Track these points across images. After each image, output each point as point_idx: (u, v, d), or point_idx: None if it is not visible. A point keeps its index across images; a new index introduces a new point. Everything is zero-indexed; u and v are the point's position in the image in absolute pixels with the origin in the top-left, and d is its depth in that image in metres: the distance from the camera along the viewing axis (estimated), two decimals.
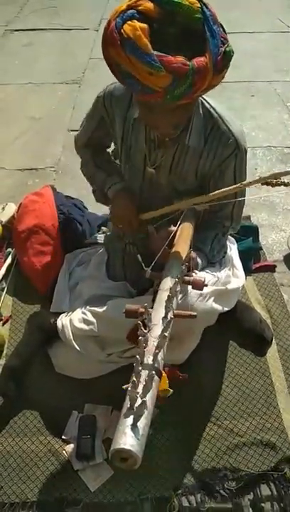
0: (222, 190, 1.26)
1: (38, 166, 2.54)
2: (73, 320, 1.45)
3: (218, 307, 1.36)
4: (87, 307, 1.45)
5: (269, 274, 1.90)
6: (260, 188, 1.26)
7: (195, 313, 1.10)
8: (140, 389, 0.83)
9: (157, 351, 0.92)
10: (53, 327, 1.48)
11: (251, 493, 1.31)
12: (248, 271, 1.84)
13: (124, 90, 1.33)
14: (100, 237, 1.82)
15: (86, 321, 1.42)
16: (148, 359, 0.90)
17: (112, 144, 1.53)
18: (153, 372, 0.89)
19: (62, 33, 3.99)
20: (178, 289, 1.12)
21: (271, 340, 1.63)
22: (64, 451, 1.39)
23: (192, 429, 1.43)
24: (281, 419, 1.45)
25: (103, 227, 1.90)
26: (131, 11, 0.98)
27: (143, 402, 0.81)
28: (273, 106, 2.99)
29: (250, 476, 1.33)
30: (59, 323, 1.47)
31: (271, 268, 1.93)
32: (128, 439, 0.77)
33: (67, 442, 1.41)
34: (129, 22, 0.97)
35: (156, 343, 0.94)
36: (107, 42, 1.00)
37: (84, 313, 1.45)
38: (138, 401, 0.81)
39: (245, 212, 2.04)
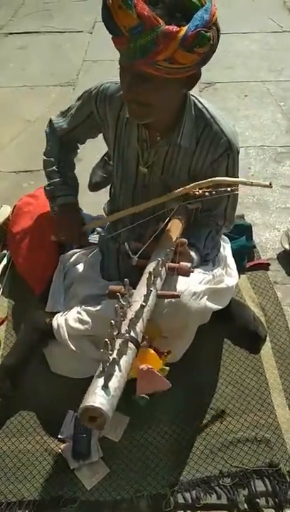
0: (178, 190, 1.29)
1: (33, 168, 2.54)
2: (68, 320, 1.46)
3: (212, 306, 1.37)
4: (82, 307, 1.46)
5: (263, 272, 1.91)
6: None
7: (178, 293, 1.11)
8: (114, 353, 0.83)
9: (135, 320, 0.92)
10: (48, 327, 1.49)
11: (247, 489, 1.32)
12: (242, 269, 1.85)
13: (117, 90, 1.34)
14: (94, 238, 1.82)
15: (81, 321, 1.43)
16: (124, 329, 0.91)
17: (84, 143, 1.61)
18: (129, 339, 0.89)
19: (56, 35, 4.00)
20: (163, 271, 1.13)
21: (265, 338, 1.64)
22: (60, 450, 1.39)
23: (187, 426, 1.44)
24: (275, 416, 1.46)
25: (97, 228, 1.90)
26: None
27: (114, 361, 0.81)
28: (266, 106, 3.01)
29: (245, 472, 1.34)
30: (54, 322, 1.48)
31: (264, 266, 1.94)
32: (97, 397, 0.77)
33: (63, 441, 1.42)
34: None
35: (133, 315, 0.94)
36: None
37: (79, 312, 1.45)
38: (111, 362, 0.81)
39: (239, 211, 2.06)
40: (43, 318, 1.53)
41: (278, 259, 1.98)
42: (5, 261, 1.95)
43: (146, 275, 1.09)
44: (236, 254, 1.70)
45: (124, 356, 0.86)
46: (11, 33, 4.07)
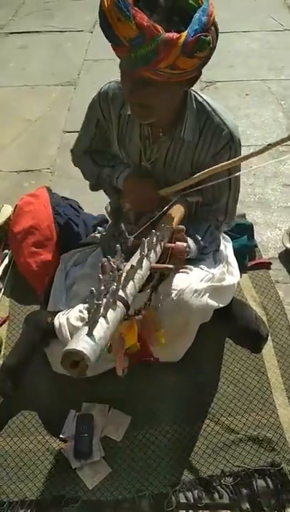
0: (207, 170, 1.26)
1: (34, 167, 2.55)
2: (70, 318, 1.45)
3: (213, 303, 1.37)
4: (84, 305, 1.46)
5: (265, 271, 1.91)
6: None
7: (171, 266, 1.10)
8: (102, 305, 0.82)
9: (125, 281, 0.91)
10: (50, 326, 1.49)
11: (248, 489, 1.31)
12: (243, 268, 1.85)
13: (118, 88, 1.34)
14: (96, 237, 1.82)
15: (83, 319, 1.43)
16: (113, 287, 0.88)
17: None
18: (118, 299, 0.87)
19: (56, 35, 4.00)
20: (158, 248, 1.12)
21: (267, 337, 1.64)
22: (62, 450, 1.39)
23: (189, 426, 1.44)
24: (277, 415, 1.46)
25: (99, 228, 1.90)
26: None
27: (98, 307, 0.80)
28: (267, 104, 3.00)
29: (247, 472, 1.34)
30: (56, 322, 1.48)
31: (266, 265, 1.94)
32: (80, 342, 0.76)
33: (64, 441, 1.42)
34: None
35: (124, 275, 0.93)
36: None
37: (81, 311, 1.45)
38: (95, 307, 0.79)
39: (240, 210, 2.06)
40: (44, 318, 1.53)
41: (280, 259, 1.98)
42: (6, 260, 1.95)
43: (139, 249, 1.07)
44: (237, 253, 1.70)
45: (111, 310, 0.84)
46: (12, 33, 4.07)
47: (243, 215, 2.12)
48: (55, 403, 1.50)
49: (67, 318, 1.46)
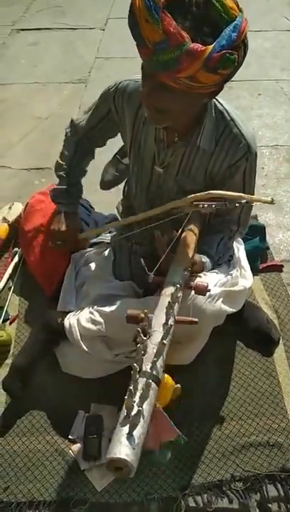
0: (199, 194, 1.24)
1: (45, 165, 2.54)
2: (81, 320, 1.44)
3: (227, 308, 1.35)
4: (95, 307, 1.45)
5: (276, 273, 1.89)
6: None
7: (196, 320, 1.10)
8: (137, 397, 0.83)
9: (156, 358, 0.91)
10: (60, 327, 1.48)
11: (258, 494, 1.30)
12: (255, 271, 1.83)
13: (135, 88, 1.32)
14: (107, 237, 1.81)
15: (93, 321, 1.42)
16: (147, 366, 0.90)
17: (103, 145, 1.61)
18: (151, 380, 0.88)
19: (68, 32, 3.99)
20: (180, 295, 1.12)
21: (279, 341, 1.62)
22: (70, 451, 1.39)
23: (199, 430, 1.43)
24: (288, 420, 1.44)
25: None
26: None
27: (139, 412, 0.81)
28: (280, 105, 2.98)
29: (257, 477, 1.33)
30: (66, 322, 1.47)
31: (278, 268, 1.92)
32: (123, 448, 0.78)
33: (73, 442, 1.41)
34: None
35: (155, 350, 0.93)
36: None
37: (91, 313, 1.44)
38: (135, 409, 0.81)
39: (252, 212, 2.03)
40: (54, 318, 1.52)
41: None
42: (16, 259, 1.94)
43: (164, 299, 1.07)
44: (249, 255, 1.67)
45: (147, 400, 0.86)
46: (23, 29, 4.06)
47: (255, 217, 2.10)
48: (63, 403, 1.49)
49: (78, 320, 1.45)
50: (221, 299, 1.32)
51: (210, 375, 1.54)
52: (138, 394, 0.84)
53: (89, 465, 1.35)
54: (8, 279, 1.88)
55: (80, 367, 1.52)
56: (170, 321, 1.02)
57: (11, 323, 1.75)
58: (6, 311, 1.78)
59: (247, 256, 1.65)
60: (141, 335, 0.95)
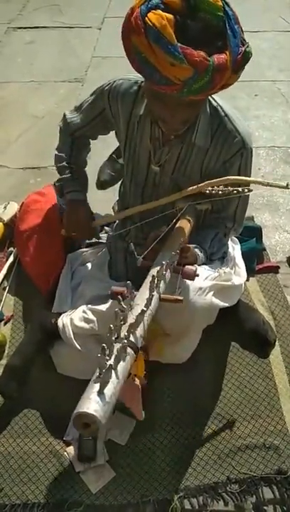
0: (191, 188, 1.27)
1: (41, 164, 2.52)
2: (74, 319, 1.44)
3: (218, 302, 1.34)
4: (88, 306, 1.44)
5: (273, 275, 1.89)
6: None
7: (181, 298, 1.09)
8: (112, 359, 0.82)
9: (135, 327, 0.91)
10: (54, 327, 1.47)
11: (254, 496, 1.30)
12: (251, 272, 1.82)
13: (130, 87, 1.32)
14: (103, 237, 1.80)
15: (86, 320, 1.41)
16: (124, 333, 0.90)
17: (96, 139, 1.60)
18: (127, 344, 0.88)
19: (64, 31, 3.96)
20: (167, 273, 1.11)
21: (274, 342, 1.62)
22: (65, 453, 1.38)
23: (195, 431, 1.42)
24: (284, 422, 1.44)
25: (106, 227, 1.88)
26: (156, 0, 0.98)
27: (110, 367, 0.81)
28: (277, 106, 2.98)
29: (253, 479, 1.33)
30: (60, 322, 1.46)
31: (274, 269, 1.91)
32: (92, 404, 0.77)
33: (68, 444, 1.40)
34: (154, 11, 0.97)
35: (134, 319, 0.93)
36: (130, 29, 1.00)
37: (84, 311, 1.44)
38: (107, 369, 0.80)
39: (248, 213, 2.03)
40: (49, 318, 1.51)
41: (288, 262, 1.96)
42: (11, 259, 1.93)
43: (149, 278, 1.07)
44: (245, 256, 1.68)
45: (122, 362, 0.86)
46: (20, 28, 4.03)
47: (251, 218, 2.10)
48: (59, 404, 1.47)
49: (71, 319, 1.44)
50: (212, 292, 1.31)
51: (206, 377, 1.53)
52: (113, 356, 0.84)
53: (84, 467, 1.34)
54: (2, 279, 1.87)
55: (75, 368, 1.50)
56: (155, 296, 1.02)
57: (5, 324, 1.74)
58: (1, 311, 1.77)
59: (243, 257, 1.65)
60: (124, 306, 0.94)
